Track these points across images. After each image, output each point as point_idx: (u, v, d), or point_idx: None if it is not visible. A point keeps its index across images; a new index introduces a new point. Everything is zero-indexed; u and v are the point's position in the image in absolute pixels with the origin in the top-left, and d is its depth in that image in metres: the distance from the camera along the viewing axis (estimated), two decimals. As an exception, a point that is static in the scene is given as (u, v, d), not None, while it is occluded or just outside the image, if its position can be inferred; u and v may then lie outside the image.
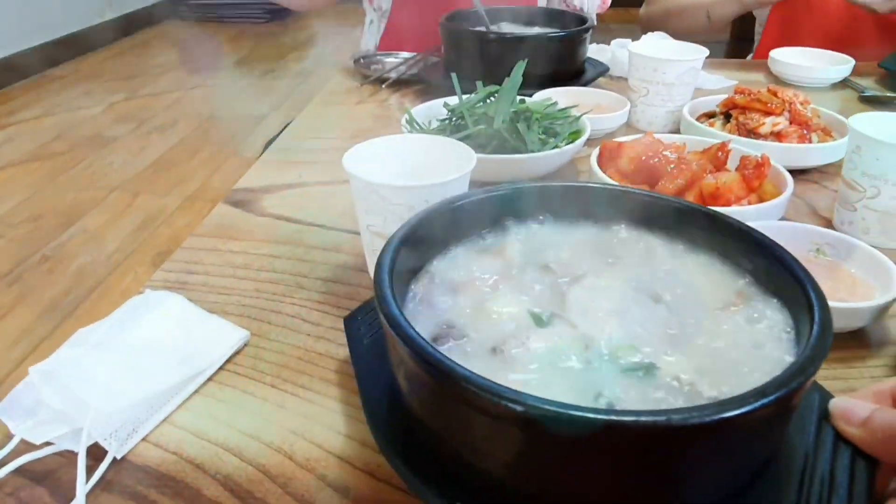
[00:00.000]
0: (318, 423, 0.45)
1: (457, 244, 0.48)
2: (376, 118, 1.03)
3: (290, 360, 0.51)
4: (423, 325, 0.41)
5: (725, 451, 0.32)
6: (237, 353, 0.52)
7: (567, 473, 0.32)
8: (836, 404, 0.35)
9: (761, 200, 0.69)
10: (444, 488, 0.35)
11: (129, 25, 4.25)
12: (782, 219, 0.71)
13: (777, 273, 0.41)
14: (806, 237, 0.62)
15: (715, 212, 0.47)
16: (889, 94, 1.11)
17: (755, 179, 0.69)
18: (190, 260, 0.64)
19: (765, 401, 0.30)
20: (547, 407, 0.29)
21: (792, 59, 1.19)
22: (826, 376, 0.49)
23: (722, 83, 1.19)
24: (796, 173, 0.83)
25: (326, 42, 3.95)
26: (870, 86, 1.17)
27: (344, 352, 0.52)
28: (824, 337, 0.34)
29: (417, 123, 0.84)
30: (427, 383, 0.35)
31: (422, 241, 0.46)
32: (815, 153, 0.81)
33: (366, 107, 1.07)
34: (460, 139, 0.78)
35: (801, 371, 0.32)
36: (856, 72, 1.18)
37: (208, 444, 0.44)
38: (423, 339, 0.34)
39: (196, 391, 0.48)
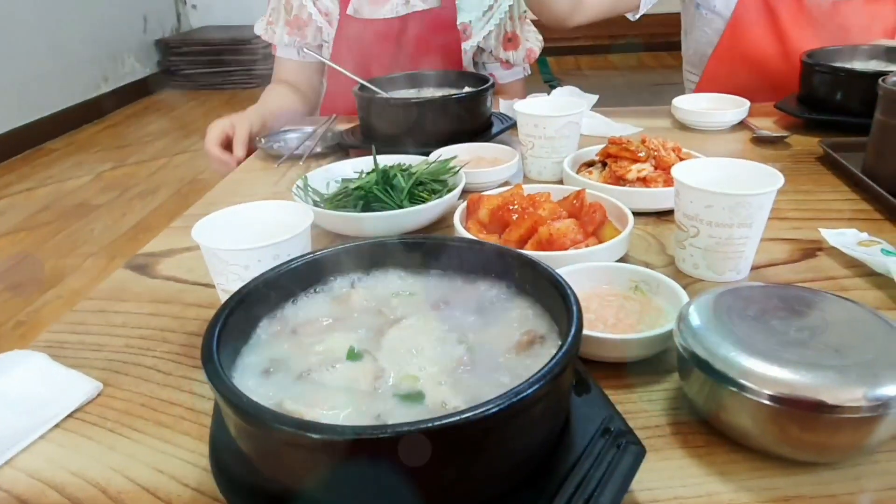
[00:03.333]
0: (137, 461, 0.51)
1: (310, 292, 0.55)
2: (292, 182, 1.11)
3: (134, 406, 0.57)
4: (255, 359, 0.48)
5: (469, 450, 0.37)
6: (89, 402, 0.58)
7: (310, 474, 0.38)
8: None
9: (600, 242, 0.75)
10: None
11: (124, 97, 4.46)
12: (623, 258, 0.77)
13: (562, 313, 0.47)
14: (626, 276, 0.68)
15: (525, 257, 0.53)
16: (778, 133, 1.18)
17: (589, 224, 0.75)
18: (75, 321, 0.71)
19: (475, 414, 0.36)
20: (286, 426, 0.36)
21: (692, 106, 1.27)
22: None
23: (629, 130, 1.26)
24: (660, 213, 0.90)
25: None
26: (767, 126, 1.24)
27: (184, 397, 0.59)
28: (553, 368, 0.39)
29: (312, 189, 0.92)
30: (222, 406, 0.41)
31: (272, 291, 0.53)
32: (662, 196, 0.87)
33: (287, 174, 1.15)
34: (340, 201, 0.86)
35: (515, 394, 0.38)
36: (755, 113, 1.26)
37: (37, 482, 0.50)
38: (225, 375, 0.41)
39: (42, 437, 0.54)
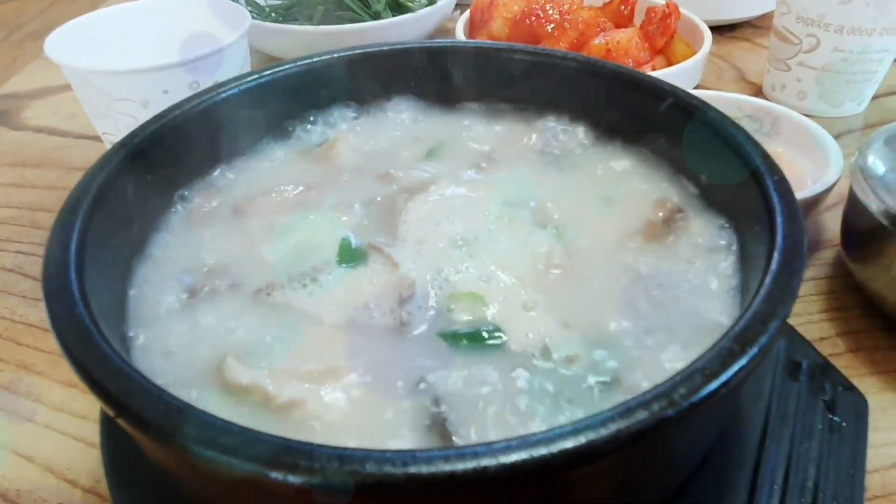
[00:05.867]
0: (-11, 443, 0.30)
1: (261, 142, 0.32)
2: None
3: (-17, 339, 0.35)
4: (175, 267, 0.27)
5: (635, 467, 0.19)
6: None
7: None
8: None
9: (670, 64, 0.53)
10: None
11: (1, -84, 3.70)
12: (698, 87, 0.56)
13: (723, 170, 0.27)
14: (726, 109, 0.47)
15: (641, 76, 0.31)
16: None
17: (659, 36, 0.53)
18: None
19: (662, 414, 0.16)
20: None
21: None
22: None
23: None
24: (724, 29, 0.68)
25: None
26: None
27: (68, 320, 0.36)
28: (789, 282, 0.20)
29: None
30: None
31: (193, 142, 0.29)
32: (744, 0, 0.64)
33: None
34: (289, 12, 0.60)
35: (739, 347, 0.18)
36: None
37: None
38: (91, 319, 0.19)
39: None
